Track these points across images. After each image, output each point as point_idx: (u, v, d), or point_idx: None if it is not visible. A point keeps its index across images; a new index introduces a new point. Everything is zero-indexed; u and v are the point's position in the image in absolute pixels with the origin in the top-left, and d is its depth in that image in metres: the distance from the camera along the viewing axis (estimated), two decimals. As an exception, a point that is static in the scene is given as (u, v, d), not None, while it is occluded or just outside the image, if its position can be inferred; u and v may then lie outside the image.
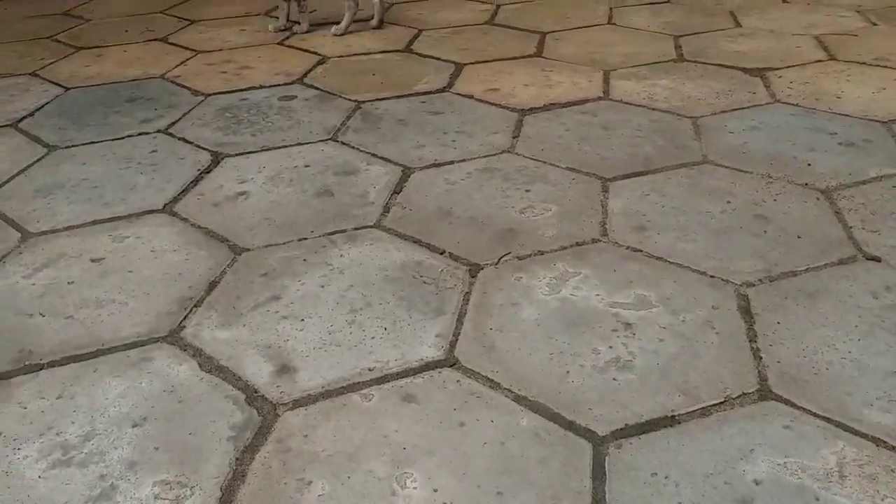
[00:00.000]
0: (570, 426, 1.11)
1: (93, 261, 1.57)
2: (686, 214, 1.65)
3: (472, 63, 2.63)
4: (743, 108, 2.18)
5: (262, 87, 2.44)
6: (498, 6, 3.32)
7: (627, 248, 1.54)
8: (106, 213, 1.75)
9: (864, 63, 2.48)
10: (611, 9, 3.23)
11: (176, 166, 1.95)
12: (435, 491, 1.01)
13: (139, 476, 1.06)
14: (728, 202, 1.69)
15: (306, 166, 1.93)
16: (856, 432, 1.08)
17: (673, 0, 3.34)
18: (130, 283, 1.49)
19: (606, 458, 1.05)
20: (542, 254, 1.53)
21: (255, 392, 1.21)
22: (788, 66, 2.48)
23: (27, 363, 1.29)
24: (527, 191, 1.77)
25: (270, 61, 2.67)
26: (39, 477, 1.06)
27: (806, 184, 1.75)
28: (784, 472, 1.02)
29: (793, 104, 2.19)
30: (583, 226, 1.62)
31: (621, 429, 1.10)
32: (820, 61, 2.52)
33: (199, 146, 2.05)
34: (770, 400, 1.14)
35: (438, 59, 2.68)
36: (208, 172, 1.92)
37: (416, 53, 2.74)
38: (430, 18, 3.16)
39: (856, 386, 1.16)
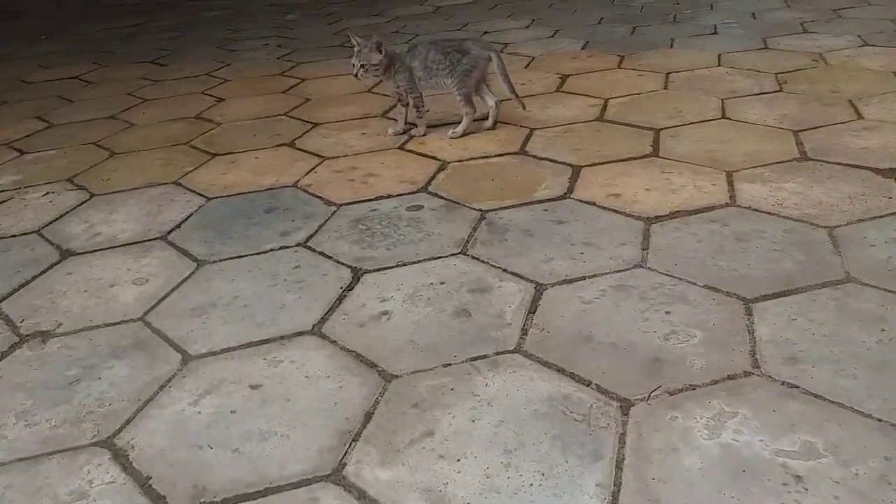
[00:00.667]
0: None
1: (252, 387, 1.66)
2: (839, 344, 1.60)
3: (589, 165, 2.66)
4: (882, 216, 2.11)
5: (389, 196, 2.55)
6: (606, 100, 3.37)
7: (783, 383, 1.50)
8: (259, 334, 1.85)
9: None
10: (722, 101, 3.22)
11: (320, 283, 2.05)
12: None
13: None
14: (882, 330, 1.63)
15: (441, 283, 1.99)
16: None
17: (784, 89, 3.31)
18: (289, 414, 1.56)
19: None
20: (693, 388, 1.51)
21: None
22: (924, 165, 2.39)
23: (202, 501, 1.36)
24: (667, 312, 1.76)
25: (394, 167, 2.80)
26: None
27: (967, 307, 1.67)
28: None
29: (937, 211, 2.11)
30: (732, 355, 1.59)
31: None
32: (959, 159, 2.42)
33: (339, 261, 2.15)
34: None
35: (555, 161, 2.73)
36: (350, 290, 2.01)
37: (532, 156, 2.81)
38: (540, 116, 3.24)
39: None
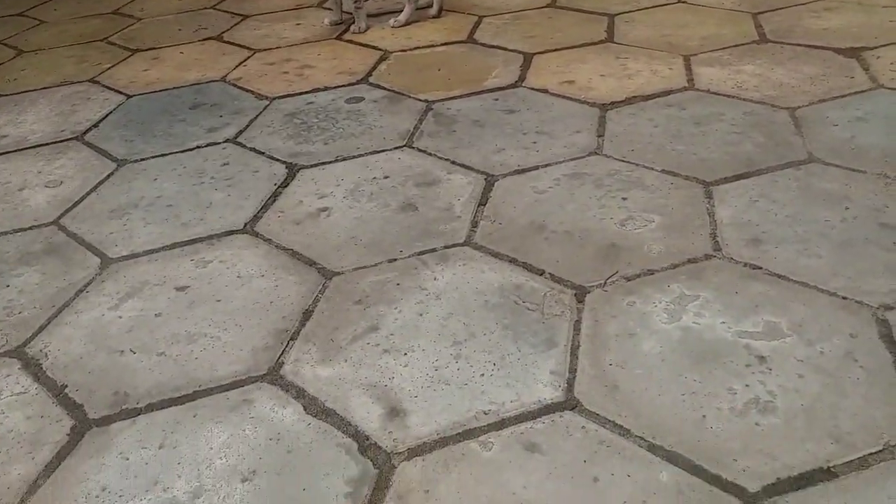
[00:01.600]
0: (716, 481, 1.02)
1: (178, 289, 1.52)
2: (803, 224, 1.52)
3: (541, 52, 2.50)
4: (843, 96, 2.02)
5: (326, 88, 2.36)
6: (559, -13, 3.17)
7: (745, 265, 1.42)
8: (186, 234, 1.69)
9: (971, 39, 2.29)
10: (680, -15, 3.06)
11: (251, 180, 1.88)
12: (578, 559, 0.94)
13: (257, 540, 1.00)
14: (846, 208, 1.56)
15: (385, 177, 1.85)
16: None
17: (745, -27, 3.15)
18: (220, 315, 1.43)
19: (762, 519, 0.96)
20: (652, 273, 1.42)
21: (367, 439, 1.14)
22: (885, 45, 2.30)
23: (124, 407, 1.24)
24: (623, 199, 1.66)
25: (331, 59, 2.58)
26: (153, 540, 1.02)
27: (930, 184, 1.61)
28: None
29: (899, 90, 2.03)
30: (692, 239, 1.51)
31: (773, 484, 1.01)
32: (921, 39, 2.34)
33: (272, 157, 1.98)
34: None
35: (505, 49, 2.56)
36: (285, 186, 1.85)
37: (481, 44, 2.62)
38: (489, 3, 3.03)
39: None
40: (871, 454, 1.03)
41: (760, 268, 1.41)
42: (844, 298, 1.32)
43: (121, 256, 1.64)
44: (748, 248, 1.47)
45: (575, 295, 1.39)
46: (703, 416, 1.11)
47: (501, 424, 1.14)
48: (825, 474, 1.01)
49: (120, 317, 1.45)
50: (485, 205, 1.71)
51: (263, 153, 2.00)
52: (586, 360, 1.24)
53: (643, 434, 1.10)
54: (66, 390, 1.28)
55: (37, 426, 1.21)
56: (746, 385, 1.16)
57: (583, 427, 1.12)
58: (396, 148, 1.98)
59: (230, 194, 1.83)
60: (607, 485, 1.03)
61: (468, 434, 1.13)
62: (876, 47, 2.30)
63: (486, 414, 1.16)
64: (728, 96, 2.09)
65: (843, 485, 1.00)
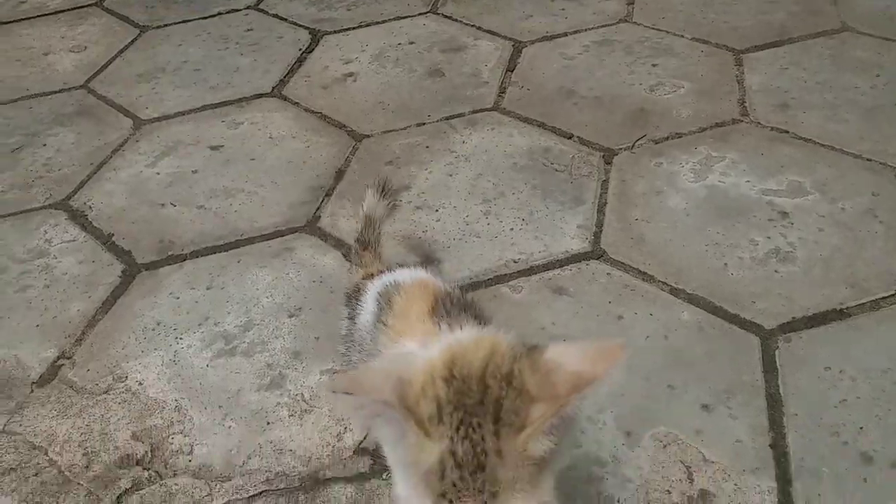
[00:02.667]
0: (735, 319, 1.08)
1: (212, 148, 1.55)
2: (832, 90, 1.52)
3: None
4: (882, -34, 1.96)
5: (348, -46, 2.29)
6: None
7: (772, 128, 1.44)
8: (215, 97, 1.70)
9: None
10: None
11: (276, 46, 1.87)
12: (603, 385, 1.01)
13: (305, 365, 1.08)
14: (877, 75, 1.56)
15: (411, 43, 1.84)
16: None
17: None
18: (256, 172, 1.47)
19: (776, 351, 1.03)
20: (680, 136, 1.44)
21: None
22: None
23: (170, 253, 1.30)
24: (653, 65, 1.66)
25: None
26: (208, 366, 1.09)
27: (964, 53, 1.59)
28: (967, 369, 0.99)
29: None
30: (720, 104, 1.52)
31: (788, 322, 1.07)
32: None
33: (295, 23, 1.96)
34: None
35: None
36: (310, 52, 1.84)
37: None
38: None
39: None
40: (883, 298, 1.09)
41: (787, 132, 1.43)
42: (869, 160, 1.34)
43: (152, 118, 1.66)
44: (776, 113, 1.48)
45: (603, 157, 1.42)
46: (725, 265, 1.17)
47: (530, 271, 1.20)
48: (838, 315, 1.07)
49: (158, 173, 1.49)
50: (512, 71, 1.70)
51: (286, 19, 1.98)
52: (613, 215, 1.28)
53: (666, 279, 1.15)
54: (113, 238, 1.34)
55: (89, 269, 1.28)
56: (768, 237, 1.21)
57: (608, 273, 1.18)
58: (421, 14, 1.95)
59: (256, 59, 1.83)
60: (631, 322, 1.09)
61: (499, 279, 1.19)
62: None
63: (515, 262, 1.22)
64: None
65: (854, 323, 1.06)
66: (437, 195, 1.37)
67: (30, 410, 1.04)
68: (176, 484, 0.93)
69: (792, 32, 1.72)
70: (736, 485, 0.88)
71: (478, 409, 0.53)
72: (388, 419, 0.54)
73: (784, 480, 0.88)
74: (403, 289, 0.78)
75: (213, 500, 0.91)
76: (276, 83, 1.74)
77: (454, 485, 0.52)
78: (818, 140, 1.40)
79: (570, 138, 1.48)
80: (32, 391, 1.08)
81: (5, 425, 1.03)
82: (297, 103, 1.67)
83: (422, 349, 0.61)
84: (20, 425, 1.03)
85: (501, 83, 1.66)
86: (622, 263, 1.19)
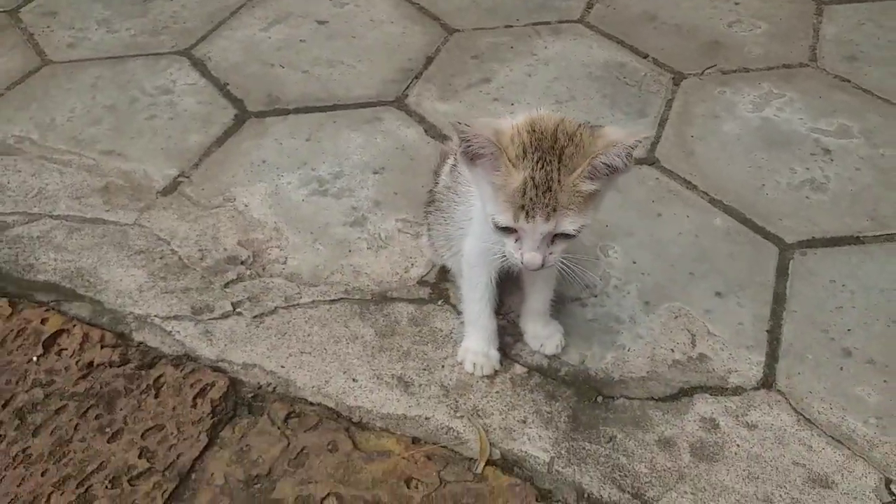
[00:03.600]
0: (761, 231, 1.22)
1: (319, 22, 1.71)
2: (902, 50, 1.60)
3: None
4: None
5: None
6: None
7: (836, 76, 1.54)
8: (326, -23, 1.86)
9: None
10: None
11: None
12: (634, 262, 1.18)
13: (384, 213, 1.27)
14: (951, 42, 1.62)
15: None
16: None
17: None
18: (355, 49, 1.63)
19: (791, 261, 1.18)
20: (747, 71, 1.55)
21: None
22: None
23: (276, 107, 1.49)
24: (736, 3, 1.74)
25: None
26: (303, 201, 1.29)
27: None
28: (957, 301, 1.12)
29: None
30: (792, 48, 1.61)
31: (808, 240, 1.21)
32: None
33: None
34: (958, 239, 1.21)
35: None
36: (415, -53, 1.97)
37: None
38: None
39: None
40: (898, 234, 1.22)
41: (849, 81, 1.53)
42: (920, 117, 1.44)
43: (270, -12, 1.83)
44: (843, 63, 1.57)
45: (672, 78, 1.54)
46: (762, 185, 1.30)
47: (588, 167, 1.35)
48: (854, 240, 1.21)
49: (269, 37, 1.67)
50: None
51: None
52: (671, 130, 1.42)
53: (707, 190, 1.30)
54: (228, 87, 1.53)
55: (206, 110, 1.48)
56: (807, 168, 1.33)
57: (657, 178, 1.32)
58: (524, -74, 2.05)
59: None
60: (668, 219, 1.25)
61: (559, 169, 1.35)
62: None
63: (576, 157, 1.37)
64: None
65: (866, 249, 1.19)
66: (513, 91, 1.52)
67: (155, 212, 1.26)
68: (273, 281, 1.15)
69: (878, -10, 1.78)
70: (731, 354, 1.05)
71: (549, 152, 0.78)
72: (488, 156, 0.78)
73: (772, 357, 1.04)
74: None
75: (301, 298, 1.12)
76: (381, -30, 1.88)
77: (531, 199, 0.77)
78: (876, 92, 1.49)
79: (645, 58, 1.60)
80: (157, 198, 1.29)
81: (136, 220, 1.25)
82: (396, -8, 1.81)
83: (508, 119, 0.84)
84: (148, 221, 1.25)
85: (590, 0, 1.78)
86: (670, 171, 1.33)
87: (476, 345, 1.01)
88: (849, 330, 1.08)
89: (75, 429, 0.93)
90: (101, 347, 1.02)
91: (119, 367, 1.00)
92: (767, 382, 1.01)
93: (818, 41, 1.63)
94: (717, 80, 1.53)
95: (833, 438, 0.95)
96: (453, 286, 1.13)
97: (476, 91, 1.53)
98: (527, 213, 0.78)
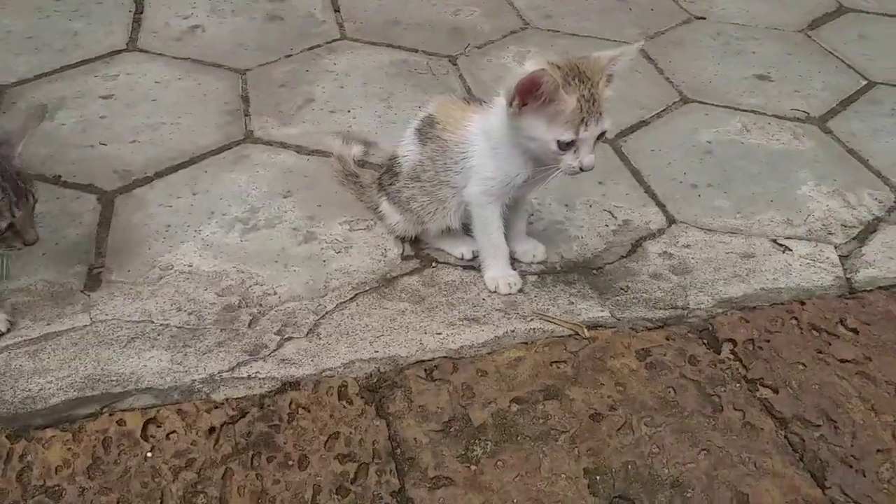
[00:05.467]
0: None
1: (104, 97, 1.63)
2: (577, 3, 2.16)
3: None
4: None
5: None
6: None
7: (548, 30, 2.02)
8: (69, 59, 1.75)
9: None
10: None
11: (102, 11, 1.94)
12: (535, 187, 1.46)
13: (324, 222, 1.34)
14: (592, -7, 2.24)
15: (237, -5, 2.05)
16: (739, 110, 1.73)
17: None
18: (164, 109, 1.61)
19: (621, 147, 1.58)
20: (492, 42, 1.95)
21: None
22: None
23: (134, 179, 1.41)
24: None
25: None
26: (241, 240, 1.29)
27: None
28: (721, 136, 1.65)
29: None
30: (506, 19, 2.05)
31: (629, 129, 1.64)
32: None
33: (112, -11, 2.02)
34: (690, 102, 1.75)
35: None
36: (141, 13, 1.95)
37: None
38: None
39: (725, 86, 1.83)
40: (658, 113, 1.72)
41: (558, 31, 2.02)
42: (604, 39, 1.99)
43: (11, 83, 1.65)
44: (545, 20, 2.07)
45: (449, 60, 1.86)
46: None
47: (445, 136, 1.59)
48: (644, 123, 1.67)
49: (63, 125, 1.54)
50: (338, 11, 2.04)
51: (99, -13, 2.03)
52: (478, 89, 1.73)
53: (539, 123, 1.64)
54: (62, 178, 1.40)
55: (61, 207, 1.34)
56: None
57: (500, 127, 1.62)
58: (234, -26, 2.17)
59: (90, 23, 1.88)
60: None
61: (427, 145, 1.56)
62: None
63: (431, 133, 1.60)
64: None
65: (651, 126, 1.67)
66: (341, 101, 1.68)
67: (102, 306, 1.14)
68: (285, 307, 1.16)
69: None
70: (640, 214, 1.40)
71: (581, 76, 1.02)
72: (545, 94, 1.00)
73: (662, 206, 1.43)
74: (434, 112, 1.17)
75: (326, 306, 1.16)
76: (127, 41, 1.83)
77: (587, 112, 1.01)
78: (575, 33, 2.01)
79: (416, 52, 1.89)
80: (88, 296, 1.16)
81: (92, 319, 1.12)
82: (160, 54, 1.80)
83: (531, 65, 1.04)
84: (105, 314, 1.13)
85: (336, 20, 2.00)
86: (504, 120, 1.65)
87: (502, 270, 1.21)
88: (685, 173, 1.52)
89: (258, 478, 0.88)
90: (206, 413, 0.95)
91: (242, 417, 0.95)
92: (673, 220, 1.39)
93: (518, 11, 2.10)
94: (479, 53, 1.90)
95: (731, 234, 1.36)
96: (434, 251, 1.28)
97: (310, 111, 1.64)
98: (586, 124, 1.01)
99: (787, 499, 0.91)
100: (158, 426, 0.94)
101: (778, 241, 1.34)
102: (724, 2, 2.20)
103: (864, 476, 0.92)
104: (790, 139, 1.63)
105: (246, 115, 1.61)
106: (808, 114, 1.71)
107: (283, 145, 1.53)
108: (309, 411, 0.98)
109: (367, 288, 1.21)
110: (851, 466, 0.94)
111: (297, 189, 1.42)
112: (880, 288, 1.20)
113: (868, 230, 1.37)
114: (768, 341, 1.07)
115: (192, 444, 0.92)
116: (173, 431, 0.93)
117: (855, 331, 1.08)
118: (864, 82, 1.84)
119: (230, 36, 1.89)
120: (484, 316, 1.16)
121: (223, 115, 1.60)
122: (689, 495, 0.91)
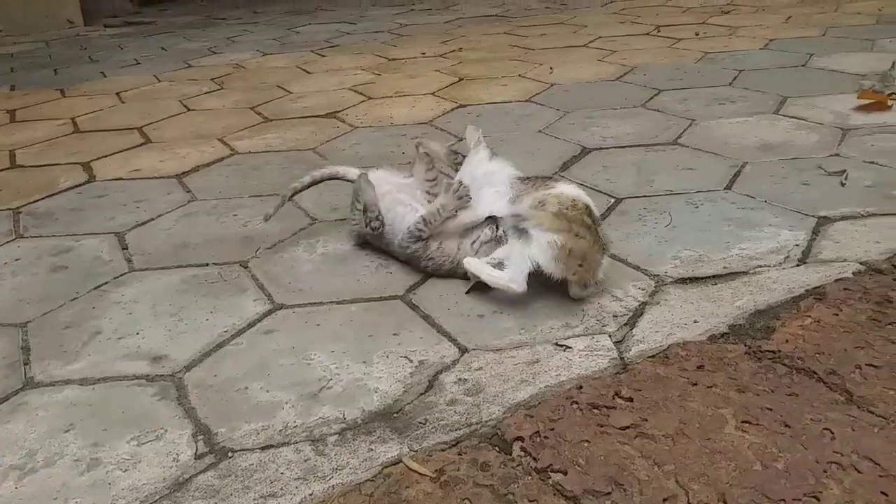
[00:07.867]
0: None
1: None
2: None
3: (96, 159, 2.87)
4: (382, 129, 2.98)
5: None
6: (73, 119, 3.53)
7: (335, 220, 2.15)
8: None
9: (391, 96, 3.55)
10: (181, 101, 3.75)
11: None
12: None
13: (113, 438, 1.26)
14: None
15: (17, 260, 2.04)
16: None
17: (226, 86, 4.03)
18: None
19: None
20: (282, 241, 2.04)
21: (149, 377, 1.46)
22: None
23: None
24: (234, 214, 2.24)
25: None
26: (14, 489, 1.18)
27: (407, 162, 2.61)
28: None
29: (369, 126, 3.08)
30: (294, 220, 2.17)
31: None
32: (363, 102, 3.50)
33: None
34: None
35: (58, 164, 2.84)
36: (-89, 292, 1.87)
37: (29, 166, 2.85)
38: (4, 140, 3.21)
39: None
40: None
41: (344, 219, 2.16)
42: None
43: None
44: (331, 213, 2.21)
45: (240, 265, 1.92)
46: (358, 280, 1.77)
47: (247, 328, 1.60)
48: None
49: None
50: (126, 248, 2.08)
51: None
52: (272, 285, 1.78)
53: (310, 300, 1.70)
54: None
55: None
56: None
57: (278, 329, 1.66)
58: (10, 240, 2.16)
59: None
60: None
61: (221, 345, 1.56)
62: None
63: (226, 331, 1.60)
64: (265, 152, 2.84)
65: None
66: (131, 327, 1.65)
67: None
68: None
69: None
70: (434, 351, 1.45)
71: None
72: None
73: (454, 340, 1.48)
74: None
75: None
76: None
77: None
78: (363, 216, 2.16)
79: (206, 265, 1.93)
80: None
81: None
82: (-70, 328, 1.71)
83: None
84: None
85: (124, 256, 2.02)
86: (291, 306, 1.69)
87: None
88: (471, 308, 1.61)
89: None
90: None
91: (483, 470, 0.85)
92: (465, 349, 1.45)
93: (306, 210, 2.24)
94: (271, 251, 1.97)
95: (517, 348, 1.43)
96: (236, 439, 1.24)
97: (96, 343, 1.60)
98: None
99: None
100: None
101: (559, 343, 1.42)
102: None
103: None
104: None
105: (25, 364, 1.54)
106: (572, 235, 1.90)
107: (67, 381, 1.47)
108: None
109: (158, 497, 1.13)
110: (652, 524, 0.94)
111: (81, 419, 1.34)
112: (648, 357, 1.29)
113: (636, 315, 1.50)
114: (553, 429, 1.10)
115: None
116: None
117: (629, 399, 1.14)
118: (613, 200, 2.10)
119: (13, 293, 1.85)
120: (281, 489, 1.11)
121: (2, 369, 1.52)
122: None
